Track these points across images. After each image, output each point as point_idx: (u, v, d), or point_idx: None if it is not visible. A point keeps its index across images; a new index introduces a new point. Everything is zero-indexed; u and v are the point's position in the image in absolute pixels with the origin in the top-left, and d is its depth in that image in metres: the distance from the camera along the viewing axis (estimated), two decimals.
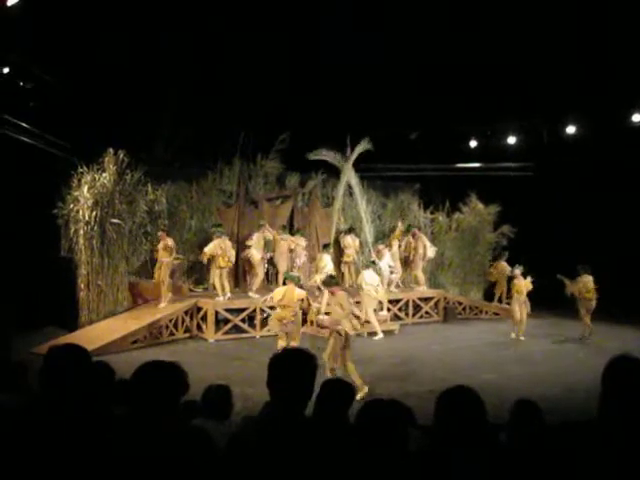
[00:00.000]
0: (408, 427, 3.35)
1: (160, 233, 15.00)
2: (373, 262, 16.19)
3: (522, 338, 15.00)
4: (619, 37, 15.43)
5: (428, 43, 17.12)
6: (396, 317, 17.31)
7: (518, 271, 15.24)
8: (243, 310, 15.10)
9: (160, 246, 14.84)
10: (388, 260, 16.73)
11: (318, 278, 15.35)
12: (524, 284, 14.98)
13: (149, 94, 15.86)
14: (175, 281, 15.90)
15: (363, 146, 17.04)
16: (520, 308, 15.01)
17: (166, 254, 14.79)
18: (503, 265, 18.36)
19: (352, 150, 17.16)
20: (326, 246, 16.57)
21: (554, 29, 15.93)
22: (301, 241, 16.89)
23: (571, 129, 18.77)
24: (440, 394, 3.14)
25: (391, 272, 16.89)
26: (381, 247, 17.26)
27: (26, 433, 2.92)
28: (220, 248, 15.18)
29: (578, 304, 15.14)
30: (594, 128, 18.10)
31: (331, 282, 11.24)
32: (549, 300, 16.23)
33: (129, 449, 2.81)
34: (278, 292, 11.98)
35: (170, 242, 14.90)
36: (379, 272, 15.94)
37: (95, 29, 14.23)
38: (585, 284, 14.97)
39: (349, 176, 17.43)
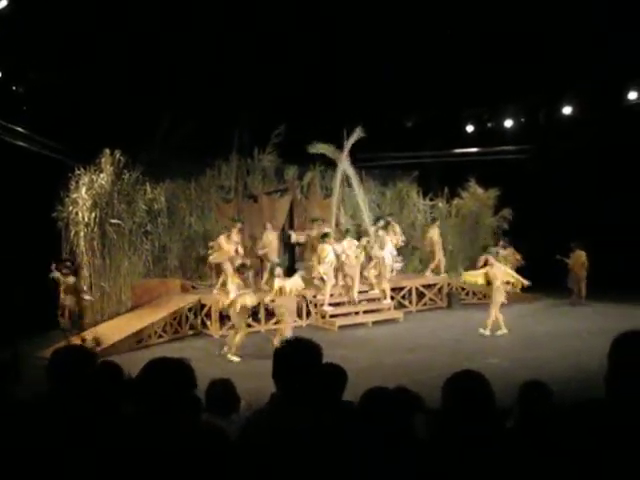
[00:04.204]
0: (415, 414, 3.36)
1: (65, 271, 12.88)
2: (347, 230, 16.71)
3: (488, 333, 13.89)
4: (610, 16, 15.35)
5: (420, 28, 17.02)
6: (400, 305, 17.29)
7: (492, 257, 14.51)
8: None
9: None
10: (391, 249, 16.58)
11: (321, 269, 15.31)
12: (499, 270, 14.09)
13: (143, 93, 15.79)
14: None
15: (357, 135, 16.95)
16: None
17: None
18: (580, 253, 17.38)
19: (347, 140, 17.10)
20: (325, 236, 16.01)
21: (547, 11, 15.84)
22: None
23: (567, 110, 18.74)
24: (447, 379, 3.14)
25: (395, 261, 16.81)
26: (382, 233, 16.89)
27: (36, 429, 2.94)
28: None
29: (570, 278, 17.34)
30: (590, 108, 18.06)
31: None
32: (548, 282, 16.33)
33: (137, 448, 2.80)
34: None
35: (72, 280, 12.95)
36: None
37: (87, 29, 14.14)
38: (578, 258, 17.14)
39: (345, 167, 17.37)
